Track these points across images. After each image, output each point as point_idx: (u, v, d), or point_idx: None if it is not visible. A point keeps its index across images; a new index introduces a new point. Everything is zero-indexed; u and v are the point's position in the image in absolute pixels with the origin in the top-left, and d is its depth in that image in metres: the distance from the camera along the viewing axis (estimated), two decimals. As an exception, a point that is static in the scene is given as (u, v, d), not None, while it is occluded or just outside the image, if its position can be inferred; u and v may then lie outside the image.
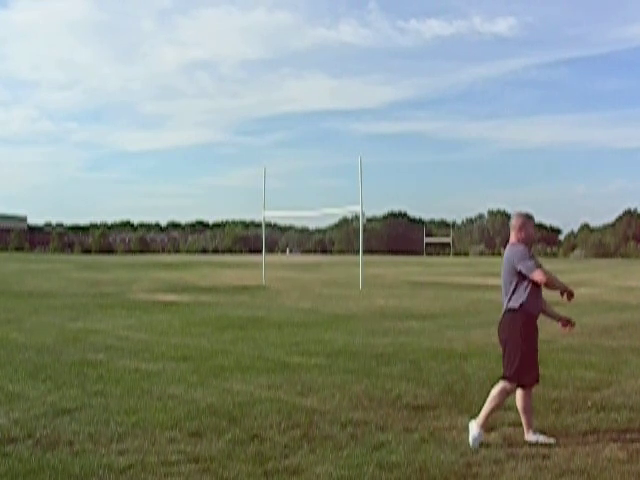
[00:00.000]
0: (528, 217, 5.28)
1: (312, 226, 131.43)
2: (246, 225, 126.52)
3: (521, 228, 5.22)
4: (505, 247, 5.35)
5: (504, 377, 5.12)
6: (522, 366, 5.03)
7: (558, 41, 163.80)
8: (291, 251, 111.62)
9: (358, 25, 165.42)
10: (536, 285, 5.07)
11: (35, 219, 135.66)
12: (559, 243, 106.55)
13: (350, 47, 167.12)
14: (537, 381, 5.19)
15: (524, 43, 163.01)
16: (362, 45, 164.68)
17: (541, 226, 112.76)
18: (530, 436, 5.10)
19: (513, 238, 5.27)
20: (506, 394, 5.13)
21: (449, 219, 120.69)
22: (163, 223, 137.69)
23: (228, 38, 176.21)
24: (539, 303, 5.18)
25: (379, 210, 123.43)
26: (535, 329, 5.16)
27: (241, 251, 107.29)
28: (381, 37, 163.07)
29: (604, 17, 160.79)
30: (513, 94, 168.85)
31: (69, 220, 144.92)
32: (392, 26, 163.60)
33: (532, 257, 5.10)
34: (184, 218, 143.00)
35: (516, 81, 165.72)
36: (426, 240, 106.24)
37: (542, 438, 5.05)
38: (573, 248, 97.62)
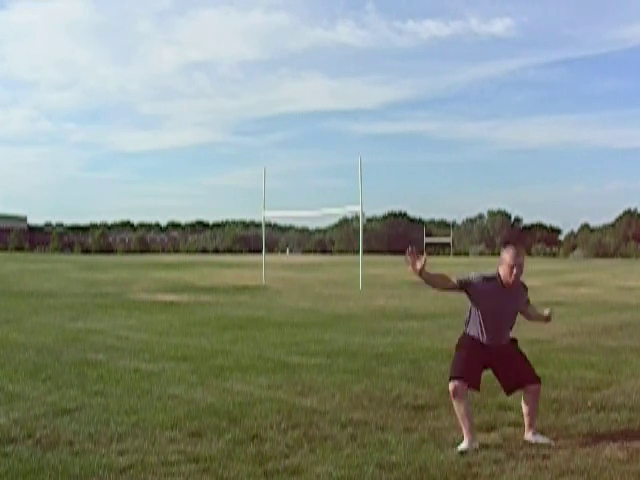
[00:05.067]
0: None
1: (312, 226, 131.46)
2: (246, 225, 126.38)
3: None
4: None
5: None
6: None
7: (555, 41, 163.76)
8: (291, 251, 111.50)
9: (355, 26, 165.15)
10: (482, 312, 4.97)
11: (35, 219, 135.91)
12: (559, 243, 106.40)
13: (348, 48, 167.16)
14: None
15: (521, 44, 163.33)
16: (360, 46, 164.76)
17: (541, 226, 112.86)
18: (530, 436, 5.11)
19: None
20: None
21: (449, 219, 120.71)
22: (163, 223, 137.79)
23: (226, 39, 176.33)
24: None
25: (379, 210, 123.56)
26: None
27: (241, 251, 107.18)
28: (378, 38, 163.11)
29: (601, 18, 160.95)
30: (511, 94, 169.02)
31: (69, 220, 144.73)
32: (389, 27, 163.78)
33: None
34: (184, 218, 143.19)
35: (514, 81, 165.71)
36: (426, 240, 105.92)
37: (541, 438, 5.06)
38: (573, 248, 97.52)
